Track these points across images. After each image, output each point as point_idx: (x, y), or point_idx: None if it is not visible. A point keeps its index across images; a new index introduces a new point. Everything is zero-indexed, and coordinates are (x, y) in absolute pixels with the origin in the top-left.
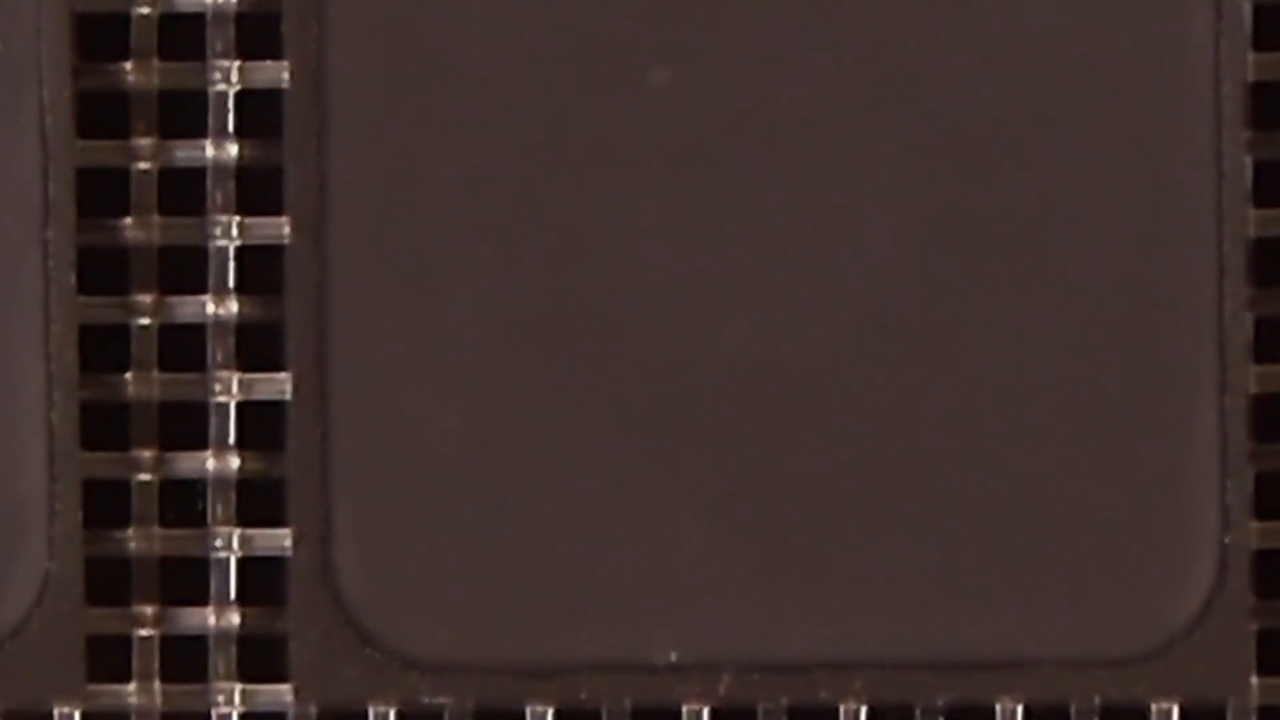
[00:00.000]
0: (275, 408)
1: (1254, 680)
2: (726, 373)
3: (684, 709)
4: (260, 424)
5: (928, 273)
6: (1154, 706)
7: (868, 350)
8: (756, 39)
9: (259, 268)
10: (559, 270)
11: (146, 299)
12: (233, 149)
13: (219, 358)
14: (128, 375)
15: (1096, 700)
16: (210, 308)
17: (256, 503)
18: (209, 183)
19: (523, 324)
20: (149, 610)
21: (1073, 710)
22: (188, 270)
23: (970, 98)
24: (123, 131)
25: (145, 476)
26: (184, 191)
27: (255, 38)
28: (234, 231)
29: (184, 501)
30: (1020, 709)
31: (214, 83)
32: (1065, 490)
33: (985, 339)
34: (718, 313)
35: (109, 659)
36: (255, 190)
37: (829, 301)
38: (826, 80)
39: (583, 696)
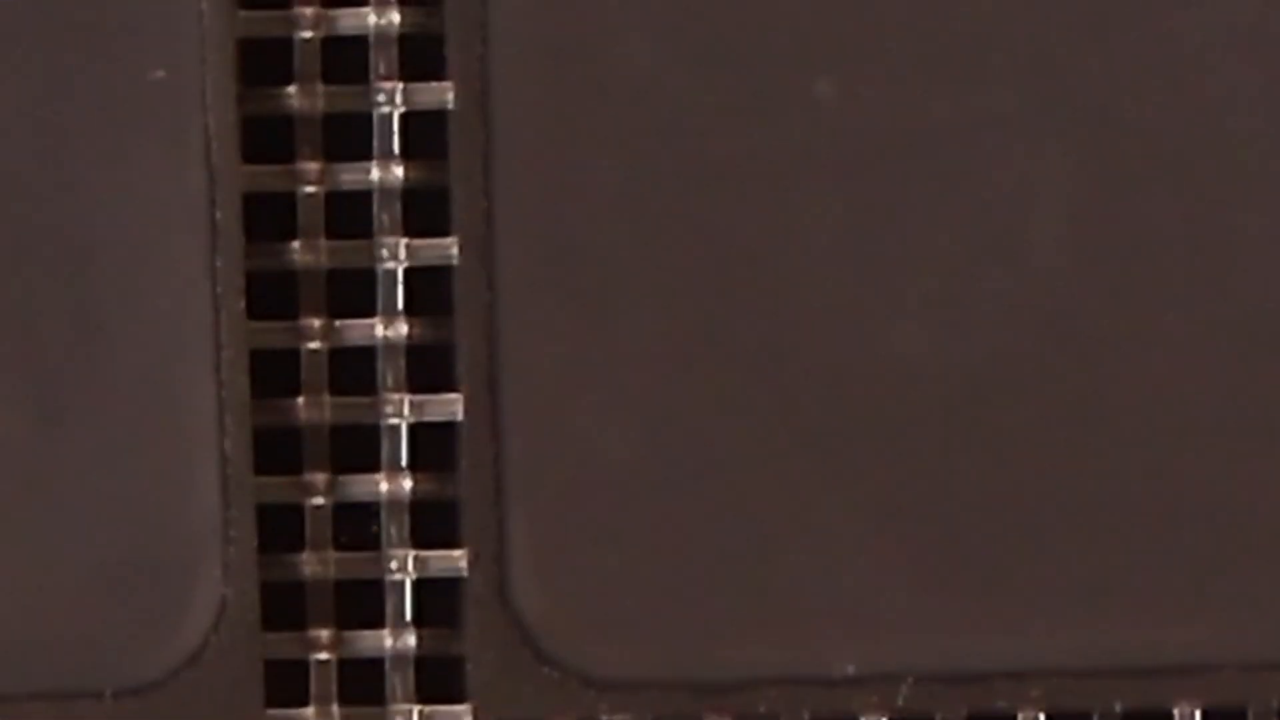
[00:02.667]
0: (447, 429)
1: None
2: (899, 382)
3: None
4: (432, 445)
5: (1093, 279)
6: None
7: (1041, 358)
8: (920, 52)
9: (428, 289)
10: (727, 283)
11: (316, 323)
12: (399, 171)
13: (390, 380)
14: (299, 400)
15: (1275, 704)
16: (380, 330)
17: (431, 524)
18: (376, 205)
19: (692, 338)
20: (325, 634)
21: (1250, 714)
22: (357, 293)
23: (1136, 106)
24: (288, 156)
25: (319, 500)
26: (351, 214)
27: (419, 59)
28: (402, 253)
29: (358, 524)
30: (1198, 713)
31: (379, 105)
32: (1241, 495)
33: (1159, 345)
34: (887, 322)
35: (287, 684)
36: (422, 212)
37: (998, 309)
38: (991, 90)
39: (761, 710)
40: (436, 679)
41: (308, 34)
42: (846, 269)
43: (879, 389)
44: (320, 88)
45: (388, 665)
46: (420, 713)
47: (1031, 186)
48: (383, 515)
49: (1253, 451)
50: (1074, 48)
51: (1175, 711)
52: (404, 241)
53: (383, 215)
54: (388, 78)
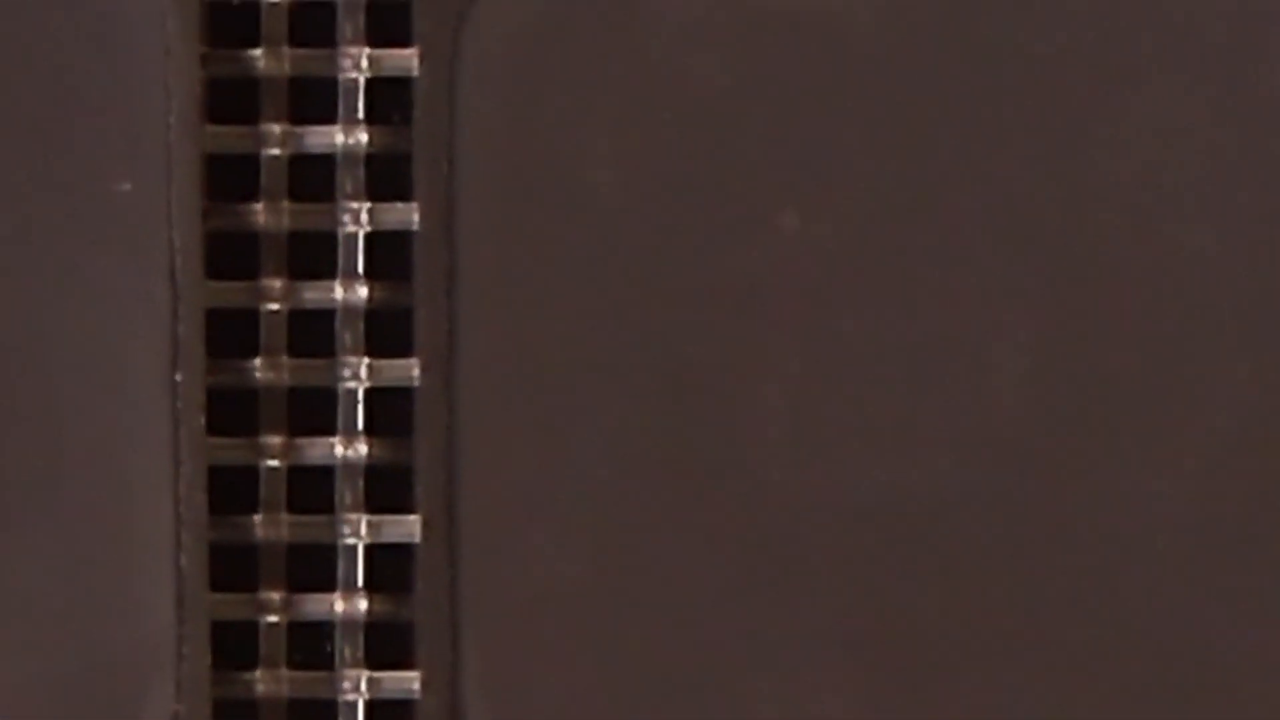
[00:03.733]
0: (404, 550)
1: None
2: (858, 512)
3: None
4: (389, 566)
5: (1055, 413)
6: None
7: (1003, 490)
8: (885, 185)
9: (389, 410)
10: (687, 410)
11: (276, 440)
12: (363, 290)
13: (348, 500)
14: (256, 517)
15: None
16: (340, 449)
17: (385, 645)
18: (339, 324)
19: (651, 464)
20: None
21: None
22: (317, 412)
23: (1098, 241)
24: (252, 272)
25: (273, 618)
26: (314, 332)
27: (385, 179)
28: (364, 373)
29: (312, 643)
30: None
31: (344, 224)
32: (1205, 630)
33: (1121, 477)
34: (843, 454)
35: None
36: (385, 332)
37: (959, 441)
38: (955, 223)
39: None
40: None
41: (275, 151)
42: (807, 398)
43: (838, 519)
44: (286, 205)
45: None
46: None
47: (993, 319)
48: (337, 635)
49: (1218, 588)
50: (1036, 182)
51: None
52: (366, 361)
53: (345, 334)
54: (354, 197)
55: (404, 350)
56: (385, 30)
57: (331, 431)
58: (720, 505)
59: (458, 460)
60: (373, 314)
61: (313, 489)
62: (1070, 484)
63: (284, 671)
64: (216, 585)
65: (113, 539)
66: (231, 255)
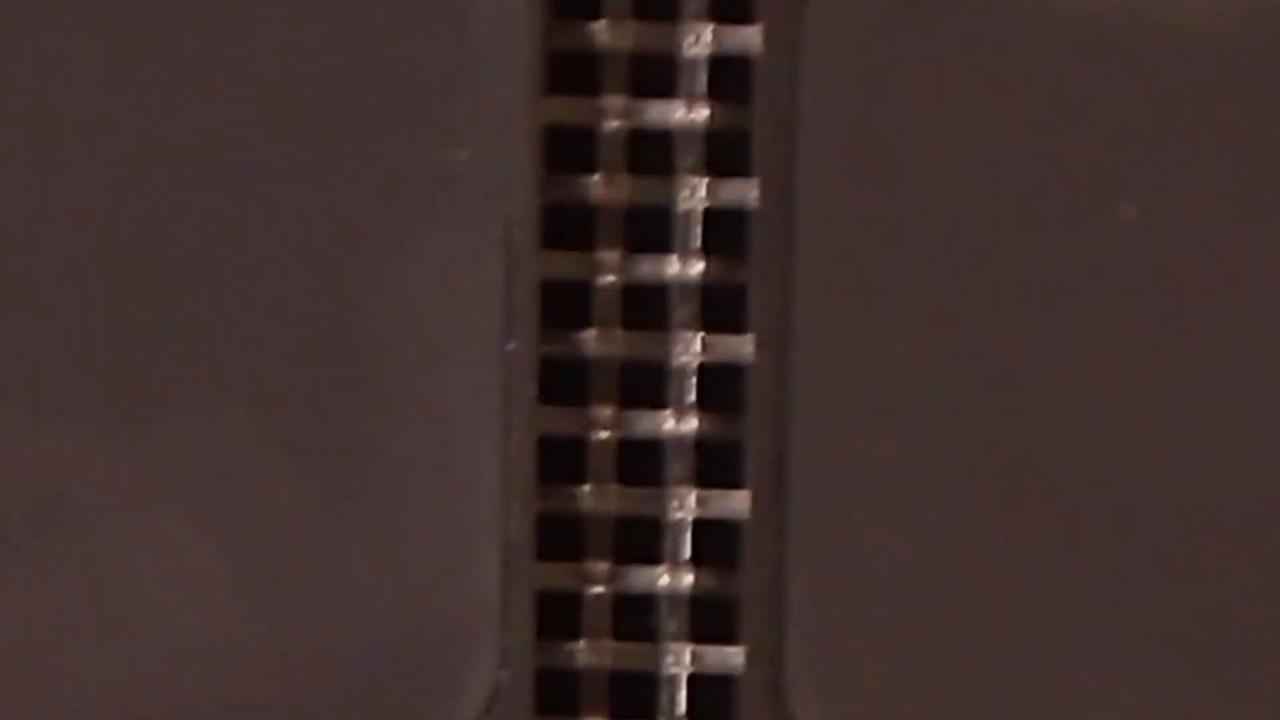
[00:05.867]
0: (732, 526)
1: None
2: (1188, 506)
3: None
4: (716, 542)
5: None
6: None
7: None
8: (1225, 178)
9: (720, 385)
10: (1022, 397)
11: (606, 412)
12: (698, 266)
13: (677, 474)
14: (585, 488)
15: None
16: (670, 424)
17: (709, 620)
18: (673, 299)
19: (983, 449)
20: None
21: None
22: (649, 385)
23: None
24: (587, 244)
25: (598, 589)
26: (647, 306)
27: (725, 155)
28: (697, 348)
29: (637, 615)
30: None
31: (682, 199)
32: None
33: None
34: (1178, 449)
35: None
36: (719, 308)
37: None
38: None
39: None
40: None
41: (614, 124)
42: (1140, 390)
43: (1172, 516)
44: (623, 179)
45: None
46: None
47: None
48: (662, 608)
49: None
50: None
51: None
52: (700, 336)
53: (680, 309)
54: (692, 172)
55: (738, 326)
56: (729, 7)
57: (662, 405)
58: (1052, 495)
59: (788, 438)
60: (707, 289)
61: (642, 462)
62: None
63: (607, 643)
64: (543, 555)
65: (442, 507)
66: (568, 227)
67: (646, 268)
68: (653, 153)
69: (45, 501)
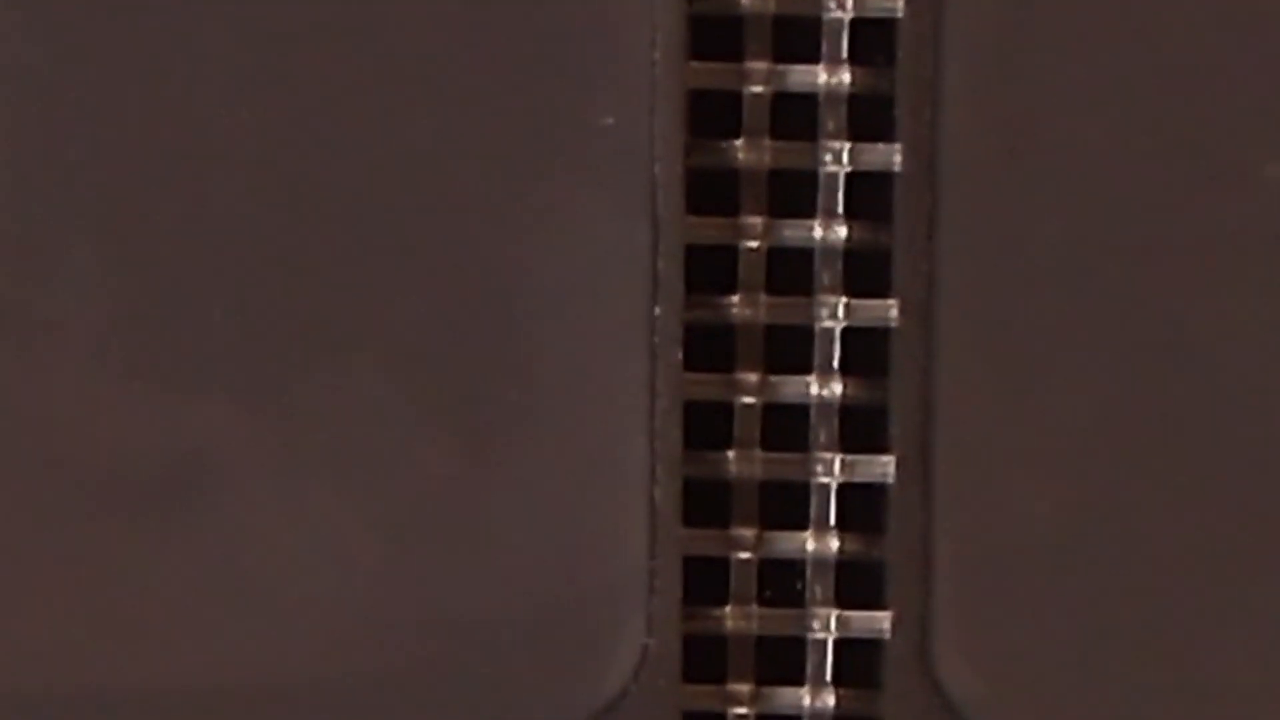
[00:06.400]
0: (877, 490)
1: None
2: None
3: None
4: (861, 506)
5: None
6: None
7: None
8: None
9: (864, 350)
10: (1167, 362)
11: (751, 377)
12: (842, 231)
13: (822, 439)
14: (730, 453)
15: None
16: (815, 388)
17: (855, 585)
18: (816, 263)
19: (1129, 412)
20: (744, 689)
21: None
22: (793, 350)
23: None
24: (732, 209)
25: (745, 555)
26: (791, 271)
27: (868, 119)
28: (841, 313)
29: (782, 581)
30: None
31: (825, 164)
32: None
33: None
34: None
35: None
36: (862, 272)
37: None
38: None
39: None
40: None
41: (758, 89)
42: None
43: None
44: (768, 143)
45: None
46: None
47: None
48: (808, 573)
49: None
50: None
51: None
52: (843, 301)
53: (823, 274)
54: (835, 137)
55: (882, 290)
56: None
57: (807, 370)
58: (1199, 455)
59: (933, 402)
60: (850, 254)
61: (787, 426)
62: None
63: (754, 608)
64: (689, 521)
65: (588, 472)
66: (712, 192)
67: (790, 232)
68: (796, 117)
69: (190, 468)
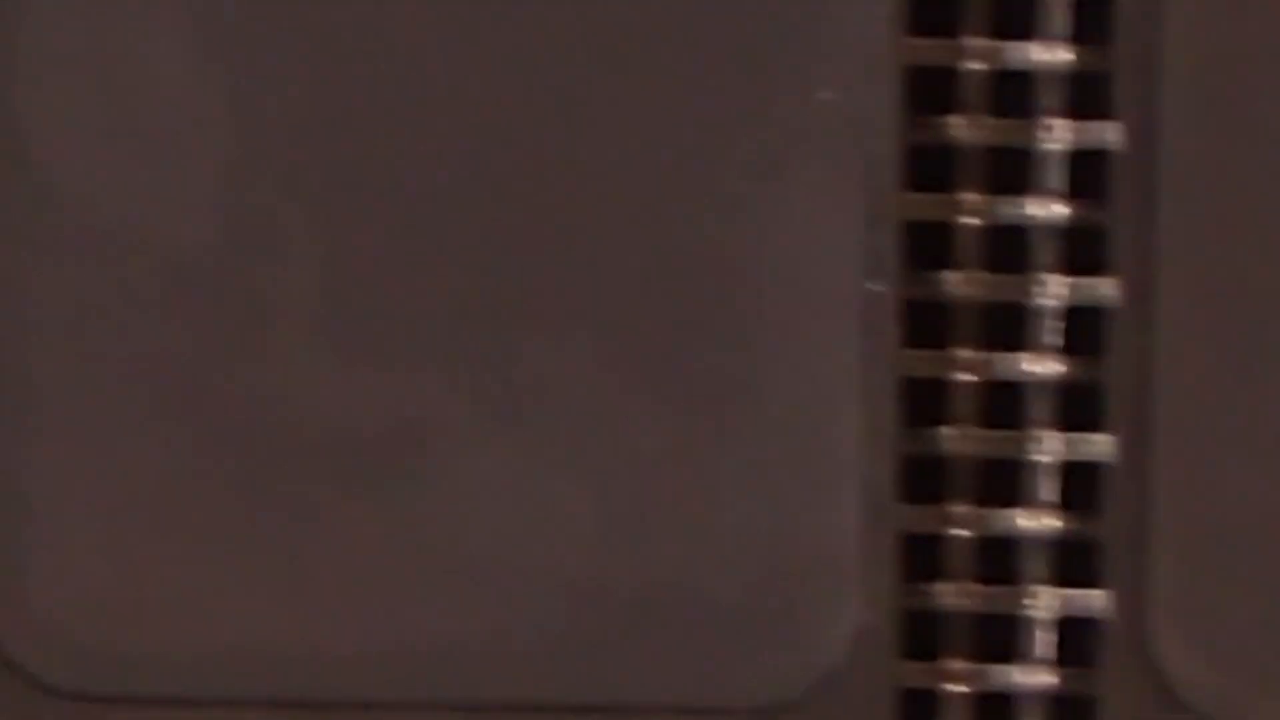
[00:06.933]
0: (1095, 469)
1: None
2: None
3: None
4: (1080, 485)
5: None
6: None
7: None
8: None
9: (1083, 328)
10: None
11: (967, 355)
12: (1060, 208)
13: (1039, 416)
14: (947, 430)
15: None
16: (1032, 366)
17: (1073, 563)
18: (1034, 241)
19: None
20: (960, 666)
21: None
22: (1009, 328)
23: None
24: (948, 186)
25: (961, 532)
26: (1008, 248)
27: (1087, 97)
28: (1060, 291)
29: (999, 559)
30: None
31: (1043, 141)
32: None
33: None
34: None
35: (919, 712)
36: (1081, 250)
37: None
38: None
39: None
40: (1069, 718)
41: (975, 65)
42: None
43: None
44: (986, 120)
45: (1021, 702)
46: None
47: None
48: (1025, 551)
49: None
50: None
51: None
52: (1062, 279)
53: (1041, 251)
54: (1054, 114)
55: (1100, 268)
56: None
57: (1024, 347)
58: None
59: (1152, 380)
60: (1069, 231)
61: (1004, 404)
62: None
63: (970, 585)
64: (905, 498)
65: (803, 451)
66: (929, 168)
67: (1008, 209)
68: (1014, 93)
69: (410, 439)
